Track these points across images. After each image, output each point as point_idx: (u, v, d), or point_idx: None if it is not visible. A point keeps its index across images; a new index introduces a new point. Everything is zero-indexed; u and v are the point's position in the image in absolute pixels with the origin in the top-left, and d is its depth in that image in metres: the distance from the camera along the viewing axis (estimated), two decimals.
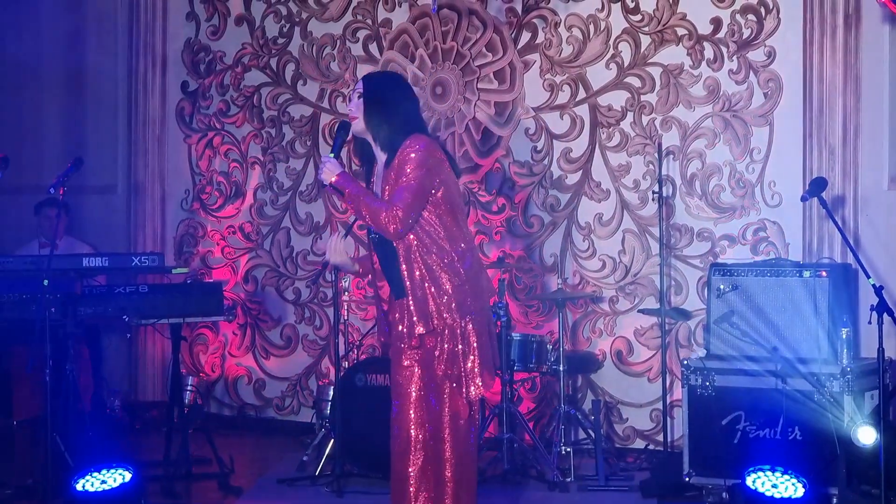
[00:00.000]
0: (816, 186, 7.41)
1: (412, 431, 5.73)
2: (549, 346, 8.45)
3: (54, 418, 7.54)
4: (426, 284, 5.66)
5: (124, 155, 10.74)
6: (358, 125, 5.76)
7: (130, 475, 6.74)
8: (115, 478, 6.70)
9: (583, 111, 9.08)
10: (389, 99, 5.80)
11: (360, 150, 5.90)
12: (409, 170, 5.59)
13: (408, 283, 5.68)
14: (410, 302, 5.67)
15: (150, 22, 10.61)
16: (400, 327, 5.74)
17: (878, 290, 6.70)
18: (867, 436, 6.88)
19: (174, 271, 8.55)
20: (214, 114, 10.41)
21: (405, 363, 5.78)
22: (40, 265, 7.72)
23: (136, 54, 10.67)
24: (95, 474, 6.69)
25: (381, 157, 5.77)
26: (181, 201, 10.54)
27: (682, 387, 7.83)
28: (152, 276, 9.45)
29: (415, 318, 5.66)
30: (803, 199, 7.57)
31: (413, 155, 5.60)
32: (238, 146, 10.30)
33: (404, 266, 5.68)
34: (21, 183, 10.24)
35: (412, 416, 5.74)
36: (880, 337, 6.67)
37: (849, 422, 7.12)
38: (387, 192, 5.65)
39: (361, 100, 5.76)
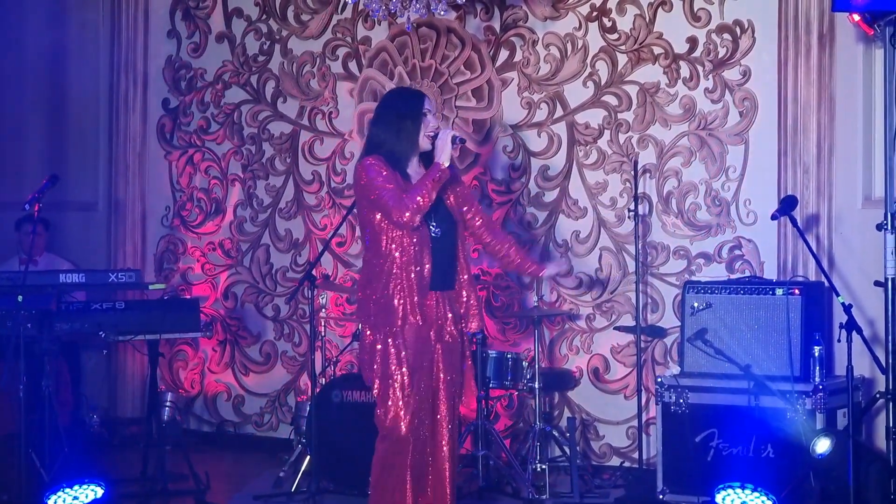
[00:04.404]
0: (787, 205, 7.48)
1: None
2: (525, 364, 8.46)
3: (29, 434, 7.55)
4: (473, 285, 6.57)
5: (105, 171, 10.77)
6: None
7: (103, 491, 6.76)
8: (88, 493, 6.71)
9: (560, 129, 9.11)
10: None
11: (400, 159, 6.43)
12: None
13: (463, 278, 6.53)
14: (466, 296, 6.51)
15: (131, 39, 10.64)
16: (447, 314, 6.42)
17: (847, 309, 6.75)
18: (823, 446, 6.94)
19: (150, 287, 8.54)
20: (195, 131, 10.43)
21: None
22: (16, 281, 7.73)
23: (117, 71, 10.71)
24: (68, 490, 6.71)
25: (419, 171, 6.40)
26: (162, 218, 10.56)
27: (657, 404, 7.88)
28: (133, 292, 9.46)
29: (472, 313, 6.52)
30: (774, 217, 7.61)
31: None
32: (218, 163, 10.33)
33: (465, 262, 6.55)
34: (2, 199, 10.26)
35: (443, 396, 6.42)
36: (849, 355, 6.74)
37: (805, 434, 7.16)
38: (461, 200, 6.59)
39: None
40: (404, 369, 6.26)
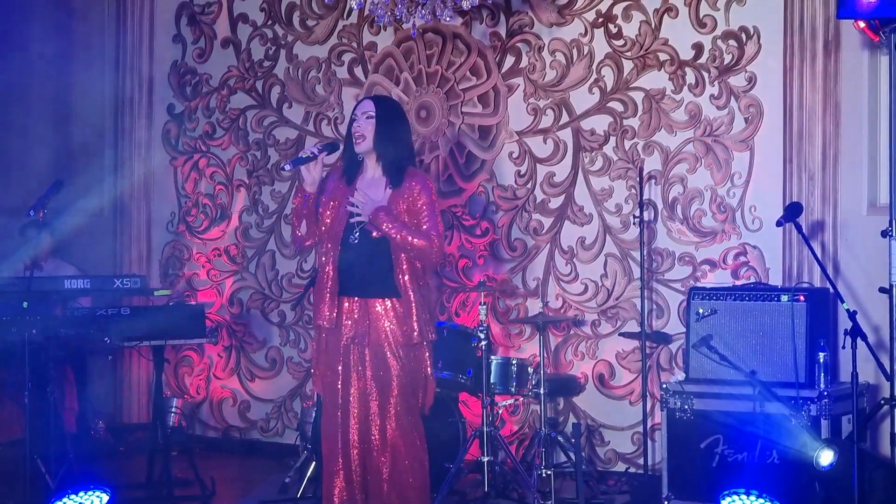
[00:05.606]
0: (792, 211, 7.49)
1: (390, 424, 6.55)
2: (530, 370, 8.45)
3: (34, 440, 7.55)
4: (413, 293, 6.52)
5: (110, 177, 10.77)
6: (366, 144, 6.54)
7: (108, 497, 6.75)
8: (92, 500, 6.70)
9: (566, 135, 9.11)
10: (399, 125, 6.66)
11: (348, 165, 6.61)
12: (427, 200, 6.52)
13: (402, 286, 6.51)
14: (410, 305, 6.51)
15: (136, 44, 10.66)
16: (386, 324, 6.51)
17: (852, 315, 6.74)
18: (826, 458, 6.93)
19: (156, 293, 8.58)
20: (200, 136, 10.45)
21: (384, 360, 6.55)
22: (21, 287, 7.74)
23: (122, 76, 10.72)
24: (73, 496, 6.69)
25: (375, 175, 6.59)
26: (167, 223, 10.57)
27: (662, 410, 7.87)
28: (138, 298, 9.47)
29: (413, 322, 6.51)
30: (779, 223, 7.62)
31: (427, 187, 6.57)
32: (224, 169, 10.34)
33: (406, 269, 6.52)
34: (8, 205, 10.25)
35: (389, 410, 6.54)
36: (854, 361, 6.74)
37: (808, 445, 7.15)
38: (404, 215, 6.50)
39: (372, 121, 6.53)
40: (319, 366, 6.70)
